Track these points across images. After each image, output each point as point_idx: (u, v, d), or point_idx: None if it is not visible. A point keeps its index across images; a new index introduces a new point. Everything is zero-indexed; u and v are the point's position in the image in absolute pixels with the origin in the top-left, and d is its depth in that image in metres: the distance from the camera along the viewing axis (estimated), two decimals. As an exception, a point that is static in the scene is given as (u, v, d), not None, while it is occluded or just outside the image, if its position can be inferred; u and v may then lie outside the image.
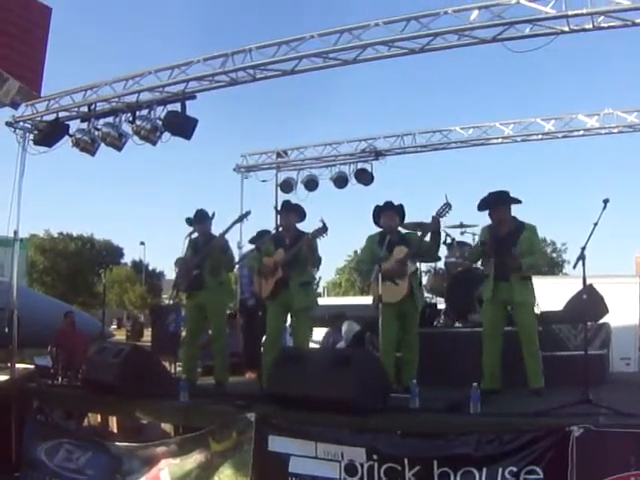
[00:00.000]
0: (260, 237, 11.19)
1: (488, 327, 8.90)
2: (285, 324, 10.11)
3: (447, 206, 8.91)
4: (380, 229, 9.32)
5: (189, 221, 10.25)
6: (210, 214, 10.24)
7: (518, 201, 8.91)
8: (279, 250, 9.55)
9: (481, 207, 9.03)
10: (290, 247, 9.46)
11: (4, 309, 11.44)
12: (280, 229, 10.22)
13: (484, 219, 9.25)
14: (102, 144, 12.22)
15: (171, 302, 11.16)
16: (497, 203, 8.86)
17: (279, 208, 9.98)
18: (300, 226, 9.83)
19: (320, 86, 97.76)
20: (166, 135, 11.83)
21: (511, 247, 8.58)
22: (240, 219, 10.26)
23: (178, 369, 10.31)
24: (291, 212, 9.79)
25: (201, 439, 7.75)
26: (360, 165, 16.17)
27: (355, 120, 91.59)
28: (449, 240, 12.64)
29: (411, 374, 8.57)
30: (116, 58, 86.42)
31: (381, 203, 9.34)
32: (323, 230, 9.20)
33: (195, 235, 10.29)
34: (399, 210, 9.35)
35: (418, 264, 10.26)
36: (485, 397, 7.36)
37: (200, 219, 10.19)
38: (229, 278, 10.78)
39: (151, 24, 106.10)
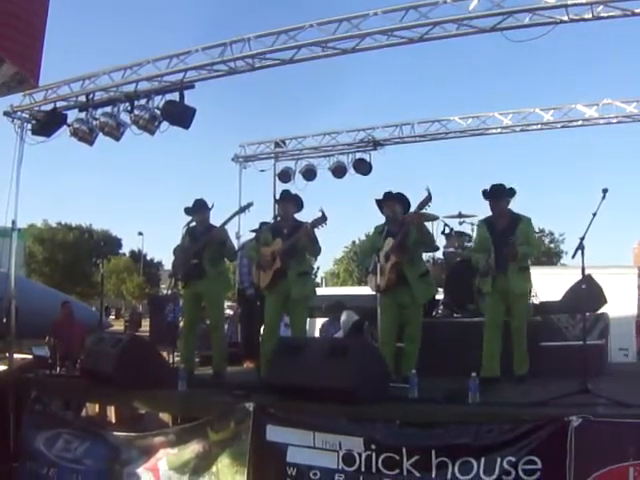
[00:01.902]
0: (261, 228, 11.20)
1: (489, 318, 8.99)
2: (283, 314, 10.08)
3: (428, 199, 8.84)
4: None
5: (188, 211, 10.21)
6: (209, 204, 10.21)
7: (513, 192, 9.01)
8: (277, 240, 9.51)
9: (485, 196, 9.13)
10: (288, 237, 9.43)
11: (2, 299, 11.44)
12: (278, 219, 10.19)
13: (482, 209, 9.27)
14: (100, 134, 12.22)
15: (169, 292, 11.14)
16: (497, 196, 8.95)
17: (277, 198, 9.94)
18: (299, 216, 9.80)
19: (319, 76, 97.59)
20: (164, 125, 11.84)
21: (509, 239, 8.63)
22: (242, 210, 10.22)
23: (176, 359, 10.29)
24: (289, 202, 9.75)
25: (199, 429, 7.76)
26: (359, 155, 16.21)
27: (354, 110, 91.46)
28: (447, 230, 12.64)
29: (410, 365, 8.53)
30: (114, 47, 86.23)
31: (381, 195, 9.31)
32: (322, 220, 9.17)
33: (193, 224, 10.24)
34: (400, 199, 9.29)
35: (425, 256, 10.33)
36: (484, 385, 7.40)
37: (199, 209, 10.14)
38: (227, 268, 10.75)
39: (150, 13, 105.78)
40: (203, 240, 9.93)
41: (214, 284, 9.96)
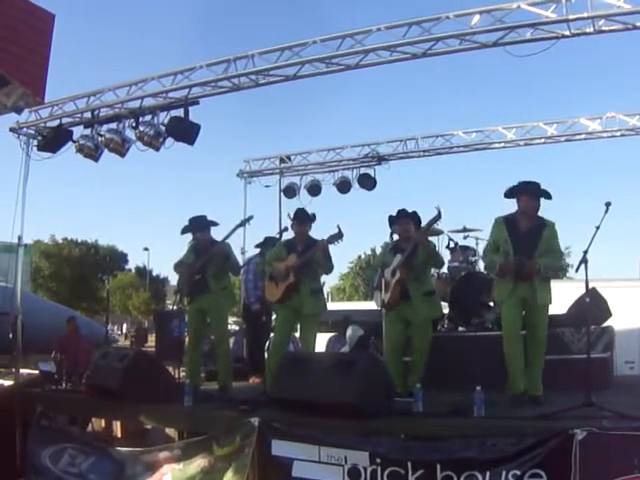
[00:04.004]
0: (266, 243, 11.24)
1: (511, 328, 8.36)
2: (293, 329, 10.11)
3: (437, 218, 8.83)
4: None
5: (184, 230, 10.24)
6: (208, 220, 10.22)
7: (549, 196, 8.41)
8: (291, 255, 9.54)
9: (510, 194, 8.49)
10: (302, 253, 9.48)
11: (9, 314, 11.48)
12: (285, 233, 10.23)
13: (487, 223, 9.16)
14: (105, 150, 12.26)
15: (174, 308, 11.17)
16: (535, 194, 8.31)
17: (293, 216, 9.86)
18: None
19: (323, 91, 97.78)
20: (169, 141, 11.87)
21: (533, 246, 8.14)
22: (242, 224, 10.27)
23: (182, 374, 10.30)
24: (307, 222, 9.75)
25: (205, 444, 7.76)
26: (363, 170, 16.19)
27: (358, 125, 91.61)
28: (452, 244, 12.63)
29: (415, 380, 8.52)
30: (119, 64, 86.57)
31: (387, 210, 9.32)
32: (339, 236, 9.21)
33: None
34: (413, 217, 9.29)
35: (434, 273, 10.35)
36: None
37: (197, 227, 10.18)
38: (232, 283, 10.76)
39: (154, 30, 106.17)
40: (206, 256, 9.97)
41: (218, 299, 10.00)
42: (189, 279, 10.07)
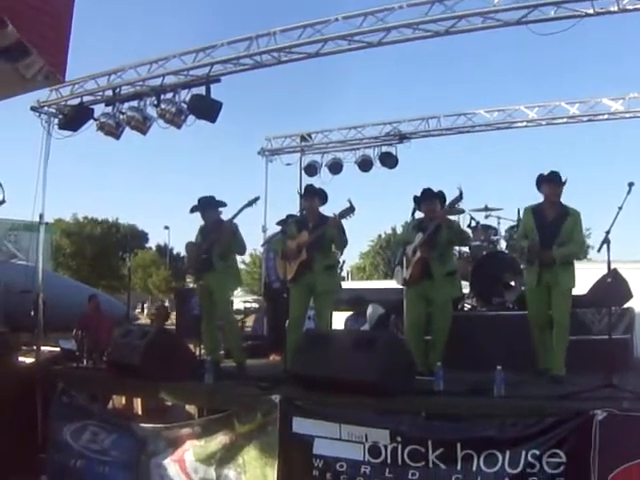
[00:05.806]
0: (288, 221, 11.24)
1: (537, 315, 8.70)
2: (308, 306, 10.09)
3: (458, 198, 8.85)
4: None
5: (193, 210, 10.23)
6: (216, 200, 10.23)
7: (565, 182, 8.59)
8: (303, 232, 9.52)
9: (537, 186, 8.71)
10: (314, 230, 9.45)
11: (30, 292, 11.54)
12: (304, 212, 10.21)
13: (509, 203, 9.16)
14: (127, 128, 12.26)
15: (195, 286, 11.20)
16: (557, 182, 8.53)
17: (303, 192, 9.92)
18: (323, 210, 9.80)
19: (344, 69, 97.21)
20: (191, 118, 11.84)
21: (555, 235, 8.36)
22: (249, 204, 10.17)
23: (203, 351, 10.33)
24: (314, 196, 9.75)
25: (226, 421, 7.82)
26: (385, 148, 16.14)
27: (380, 103, 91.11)
28: (474, 223, 12.59)
29: (435, 358, 8.50)
30: (141, 42, 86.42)
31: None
32: (350, 210, 9.16)
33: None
34: (439, 197, 9.28)
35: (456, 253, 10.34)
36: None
37: (205, 206, 10.18)
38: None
39: (175, 6, 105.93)
40: (213, 236, 9.96)
41: (221, 278, 9.93)
42: (195, 259, 10.07)
